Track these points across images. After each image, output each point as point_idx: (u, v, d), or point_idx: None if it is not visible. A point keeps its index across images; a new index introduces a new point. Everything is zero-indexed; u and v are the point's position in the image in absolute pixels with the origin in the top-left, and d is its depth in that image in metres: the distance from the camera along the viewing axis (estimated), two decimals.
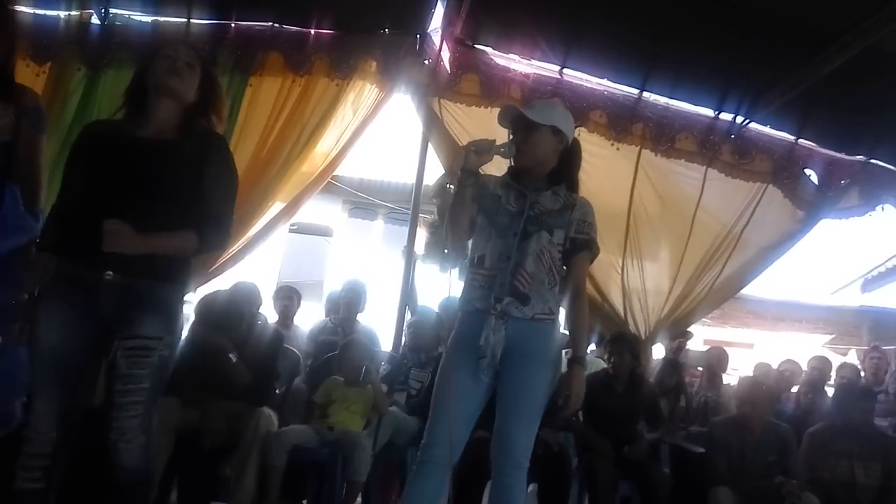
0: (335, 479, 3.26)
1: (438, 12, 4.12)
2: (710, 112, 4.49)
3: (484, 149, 2.22)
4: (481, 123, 4.15)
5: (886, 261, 10.27)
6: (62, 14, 4.01)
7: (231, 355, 3.29)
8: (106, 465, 2.03)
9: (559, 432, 3.59)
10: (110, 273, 2.02)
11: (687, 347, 4.90)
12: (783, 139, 4.58)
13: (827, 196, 4.61)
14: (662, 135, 4.44)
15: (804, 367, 5.01)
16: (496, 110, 3.79)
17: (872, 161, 4.60)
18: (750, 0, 3.52)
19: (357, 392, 3.46)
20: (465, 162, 2.21)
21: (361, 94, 4.17)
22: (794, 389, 4.81)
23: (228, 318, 3.43)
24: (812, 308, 11.10)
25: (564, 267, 2.36)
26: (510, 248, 2.28)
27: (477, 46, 4.25)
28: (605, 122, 4.37)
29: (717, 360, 4.79)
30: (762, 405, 3.71)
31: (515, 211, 2.32)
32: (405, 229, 4.72)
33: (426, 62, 4.19)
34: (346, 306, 4.48)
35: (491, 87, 4.21)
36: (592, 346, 4.62)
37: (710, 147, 4.49)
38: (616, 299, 4.53)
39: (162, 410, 2.97)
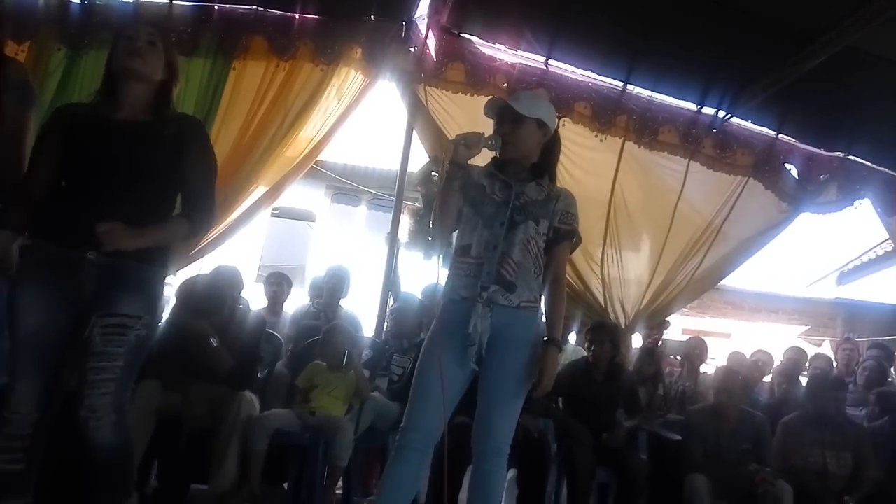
0: (317, 463, 3.27)
1: (424, 0, 4.10)
2: (692, 106, 4.53)
3: (473, 142, 2.23)
4: (467, 110, 4.16)
5: (861, 255, 10.48)
6: None
7: (212, 339, 3.28)
8: (82, 445, 2.02)
9: (539, 419, 3.64)
10: (93, 253, 2.01)
11: (664, 337, 4.96)
12: (764, 134, 4.64)
13: (807, 190, 4.69)
14: (646, 127, 4.47)
15: (776, 357, 5.10)
16: (482, 98, 3.84)
17: (850, 157, 4.68)
18: None
19: (339, 377, 3.46)
20: (454, 154, 2.22)
21: (346, 81, 4.13)
22: (767, 379, 4.89)
23: (210, 301, 3.41)
24: (788, 300, 11.29)
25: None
26: (497, 237, 2.30)
27: (463, 35, 4.24)
28: (590, 114, 4.39)
29: (696, 350, 4.85)
30: (737, 394, 3.78)
31: (501, 201, 2.33)
32: (388, 215, 4.71)
33: (412, 50, 4.16)
34: (329, 292, 4.48)
35: (476, 75, 4.20)
36: (573, 336, 4.66)
37: (693, 140, 4.54)
38: (597, 289, 4.58)
39: (143, 394, 3.00)
